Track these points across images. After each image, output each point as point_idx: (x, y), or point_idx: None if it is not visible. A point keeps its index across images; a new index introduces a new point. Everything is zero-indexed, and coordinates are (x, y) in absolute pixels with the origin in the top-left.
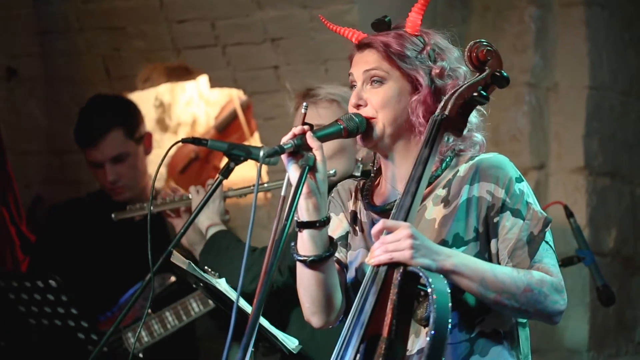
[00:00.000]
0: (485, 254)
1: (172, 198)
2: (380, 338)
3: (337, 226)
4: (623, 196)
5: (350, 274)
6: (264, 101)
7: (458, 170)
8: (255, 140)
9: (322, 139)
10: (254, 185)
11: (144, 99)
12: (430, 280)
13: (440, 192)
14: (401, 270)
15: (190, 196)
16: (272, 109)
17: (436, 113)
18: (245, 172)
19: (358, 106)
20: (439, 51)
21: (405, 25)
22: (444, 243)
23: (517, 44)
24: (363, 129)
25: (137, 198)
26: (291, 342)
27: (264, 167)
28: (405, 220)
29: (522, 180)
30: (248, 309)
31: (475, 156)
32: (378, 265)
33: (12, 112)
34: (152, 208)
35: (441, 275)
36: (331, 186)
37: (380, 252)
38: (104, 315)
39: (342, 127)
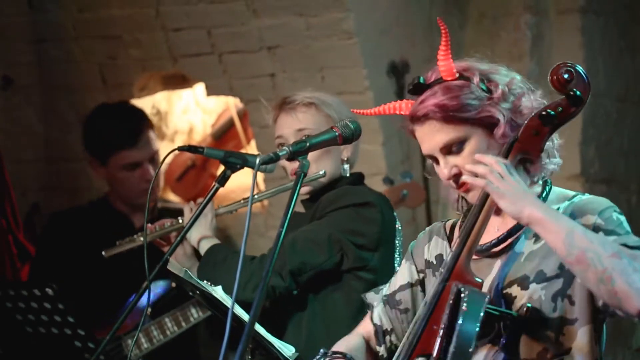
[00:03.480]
0: (568, 290)
1: (162, 225)
2: (431, 357)
3: (403, 277)
4: (619, 203)
5: None
6: (260, 109)
7: (559, 208)
8: (251, 148)
9: (317, 145)
10: (243, 200)
11: (140, 107)
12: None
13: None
14: (455, 290)
15: (180, 220)
16: (270, 117)
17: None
18: (242, 180)
19: (456, 177)
20: (487, 77)
21: (441, 74)
22: (525, 278)
23: (513, 50)
24: (358, 135)
25: (143, 205)
26: (287, 350)
27: (260, 175)
28: (464, 243)
29: (622, 214)
30: (245, 316)
31: (576, 196)
32: (478, 214)
33: (8, 120)
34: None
35: (485, 297)
36: (323, 188)
37: (481, 174)
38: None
39: (337, 134)
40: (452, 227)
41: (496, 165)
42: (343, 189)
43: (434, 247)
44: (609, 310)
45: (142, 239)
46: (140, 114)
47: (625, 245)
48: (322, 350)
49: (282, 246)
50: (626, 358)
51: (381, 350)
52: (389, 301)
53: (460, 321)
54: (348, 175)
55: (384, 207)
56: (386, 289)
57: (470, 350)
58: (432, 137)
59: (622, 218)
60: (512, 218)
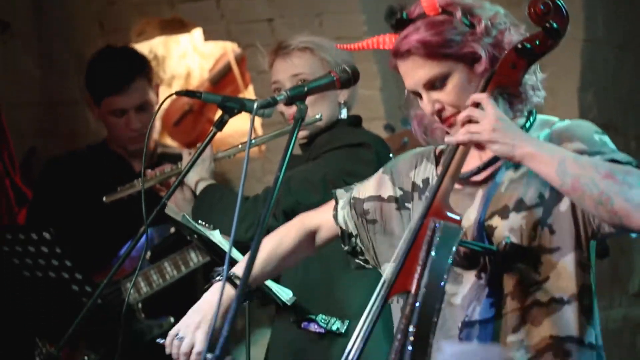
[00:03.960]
0: (548, 219)
1: (162, 171)
2: (409, 294)
3: (373, 187)
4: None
5: None
6: (257, 54)
7: (539, 136)
8: (249, 93)
9: (315, 90)
10: (241, 144)
11: None
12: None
13: None
14: (432, 227)
15: (179, 165)
16: (266, 62)
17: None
18: (239, 125)
19: (439, 113)
20: (470, 12)
21: (424, 9)
22: (505, 208)
23: None
24: (356, 80)
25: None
26: (285, 294)
27: (258, 120)
28: (445, 171)
29: (604, 134)
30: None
31: (556, 124)
32: (457, 145)
33: (5, 64)
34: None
35: (459, 232)
36: (320, 132)
37: (462, 132)
38: (102, 268)
39: (334, 78)
40: (441, 153)
41: (487, 122)
42: (339, 130)
43: (423, 170)
44: (605, 230)
45: (141, 185)
46: (134, 61)
47: (612, 159)
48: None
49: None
50: (623, 303)
51: (346, 248)
52: (356, 207)
53: (432, 254)
54: (345, 118)
55: (379, 148)
56: (355, 191)
57: (442, 284)
58: (414, 73)
59: (605, 138)
60: (504, 158)
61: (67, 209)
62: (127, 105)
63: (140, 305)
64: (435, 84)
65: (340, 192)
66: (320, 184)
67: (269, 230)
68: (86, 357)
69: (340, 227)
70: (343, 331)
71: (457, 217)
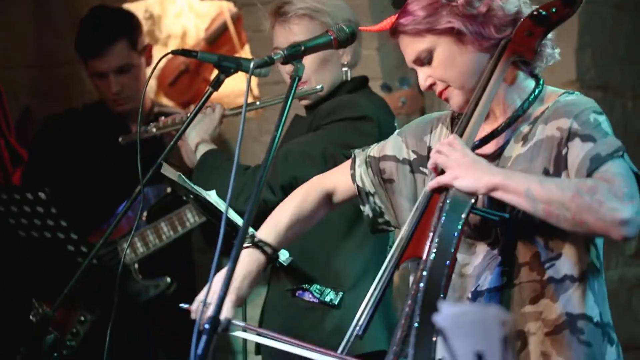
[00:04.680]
0: None
1: (173, 120)
2: (420, 261)
3: (389, 148)
4: (615, 109)
5: None
6: (254, 13)
7: (547, 108)
8: (245, 53)
9: (312, 49)
10: (248, 104)
11: (134, 12)
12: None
13: (524, 128)
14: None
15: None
16: (262, 21)
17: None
18: (235, 85)
19: (431, 87)
20: None
21: None
22: None
23: None
24: (353, 39)
25: (137, 110)
26: (282, 255)
27: (254, 79)
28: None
29: (602, 114)
30: (239, 221)
31: (563, 95)
32: (472, 112)
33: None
34: (155, 130)
35: (471, 198)
36: (321, 101)
37: (433, 182)
38: (98, 228)
39: (332, 37)
40: (454, 119)
41: (442, 147)
42: (341, 101)
43: (439, 135)
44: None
45: (155, 130)
46: (115, 23)
47: (597, 155)
48: (251, 232)
49: (275, 157)
50: (619, 264)
51: (366, 209)
52: (372, 165)
53: (442, 220)
54: (349, 79)
55: (382, 120)
56: (371, 150)
57: (452, 250)
58: (405, 50)
59: (602, 118)
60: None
61: (63, 168)
62: (105, 68)
63: (136, 265)
64: (422, 60)
65: (357, 151)
66: (320, 158)
67: (267, 205)
68: (82, 317)
69: (358, 186)
70: (336, 303)
71: None
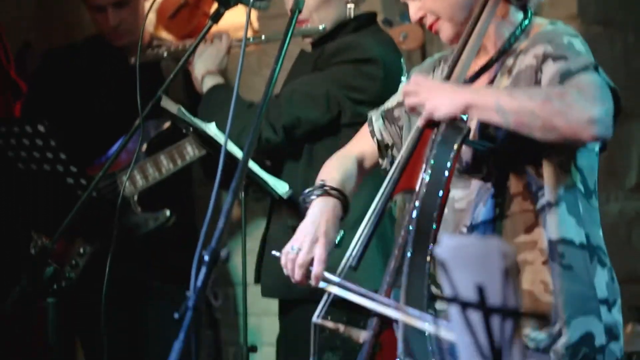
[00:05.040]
0: None
1: (184, 45)
2: (413, 192)
3: (400, 95)
4: (615, 44)
5: None
6: None
7: (529, 39)
8: None
9: None
10: (253, 37)
11: None
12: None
13: (509, 61)
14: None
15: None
16: None
17: None
18: (236, 18)
19: (421, 19)
20: None
21: None
22: None
23: None
24: None
25: (135, 44)
26: (281, 187)
27: (254, 12)
28: (448, 78)
29: (576, 37)
30: (238, 154)
31: (546, 26)
32: (461, 49)
33: None
34: (165, 54)
35: (463, 129)
36: (325, 38)
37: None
38: (96, 161)
39: None
40: None
41: (408, 86)
42: (347, 42)
43: (440, 73)
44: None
45: (165, 54)
46: None
47: (568, 70)
48: (319, 182)
49: (279, 97)
50: (619, 197)
51: (384, 163)
52: (387, 116)
53: (434, 152)
54: (352, 17)
55: (388, 60)
56: (387, 104)
57: (445, 181)
58: None
59: (576, 40)
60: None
61: (62, 101)
62: (104, 1)
63: (136, 198)
64: None
65: (372, 111)
66: (323, 100)
67: (270, 144)
68: (81, 250)
69: (377, 140)
70: (336, 242)
71: (463, 117)
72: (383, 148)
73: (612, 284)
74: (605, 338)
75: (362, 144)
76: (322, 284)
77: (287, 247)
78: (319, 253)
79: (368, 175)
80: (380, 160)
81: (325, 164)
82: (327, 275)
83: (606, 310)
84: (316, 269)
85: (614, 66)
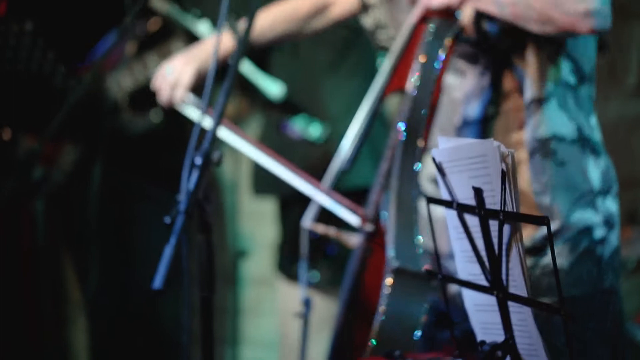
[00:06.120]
0: None
1: None
2: (405, 92)
3: None
4: None
5: None
6: None
7: None
8: None
9: None
10: None
11: None
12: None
13: None
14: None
15: None
16: None
17: None
18: None
19: None
20: None
21: None
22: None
23: None
24: None
25: None
26: (274, 87)
27: None
28: None
29: None
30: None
31: None
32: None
33: None
34: None
35: (455, 23)
36: None
37: None
38: (85, 61)
39: None
40: None
41: None
42: None
43: None
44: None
45: None
46: None
47: None
48: None
49: None
50: (619, 99)
51: (368, 21)
52: None
53: (425, 48)
54: None
55: None
56: None
57: (434, 79)
58: None
59: None
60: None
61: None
62: None
63: (126, 98)
64: None
65: None
66: None
67: None
68: (69, 152)
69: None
70: (319, 136)
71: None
72: (368, 6)
73: (607, 172)
74: (604, 229)
75: None
76: (185, 109)
77: (164, 68)
78: (188, 73)
79: (329, 26)
80: (362, 20)
81: (281, 4)
82: (190, 100)
83: (602, 201)
84: (181, 82)
85: None
